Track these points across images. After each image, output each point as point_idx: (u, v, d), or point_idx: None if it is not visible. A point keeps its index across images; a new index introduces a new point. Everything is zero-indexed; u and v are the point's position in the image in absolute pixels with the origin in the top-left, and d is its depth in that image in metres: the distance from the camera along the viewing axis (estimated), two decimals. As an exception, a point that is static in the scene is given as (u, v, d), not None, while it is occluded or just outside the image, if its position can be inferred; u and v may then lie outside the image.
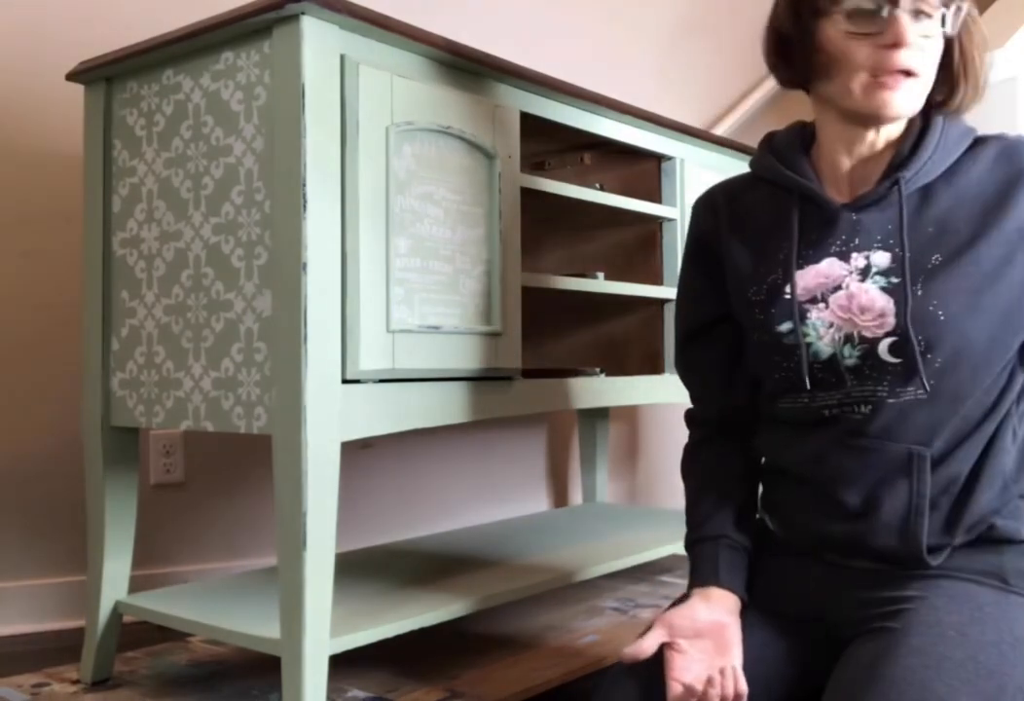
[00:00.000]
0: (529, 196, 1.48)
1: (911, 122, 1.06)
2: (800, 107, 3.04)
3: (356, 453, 2.09)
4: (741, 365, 1.15)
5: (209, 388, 1.27)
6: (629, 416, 2.65)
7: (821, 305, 1.03)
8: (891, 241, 1.01)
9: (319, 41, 1.16)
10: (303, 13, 1.14)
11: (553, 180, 1.55)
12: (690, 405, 1.23)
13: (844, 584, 1.02)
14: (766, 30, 1.12)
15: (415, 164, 1.27)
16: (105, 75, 1.40)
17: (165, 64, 1.33)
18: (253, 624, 1.27)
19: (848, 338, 1.03)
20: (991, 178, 1.03)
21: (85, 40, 1.76)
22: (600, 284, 1.69)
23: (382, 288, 1.22)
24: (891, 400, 1.01)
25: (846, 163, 1.07)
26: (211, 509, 1.98)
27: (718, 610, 1.02)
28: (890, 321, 1.00)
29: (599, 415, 2.38)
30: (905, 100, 0.99)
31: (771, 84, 2.96)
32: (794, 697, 1.03)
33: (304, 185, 1.14)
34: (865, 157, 1.06)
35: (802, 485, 1.07)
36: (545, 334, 2.14)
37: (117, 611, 1.43)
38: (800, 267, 1.06)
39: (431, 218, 1.29)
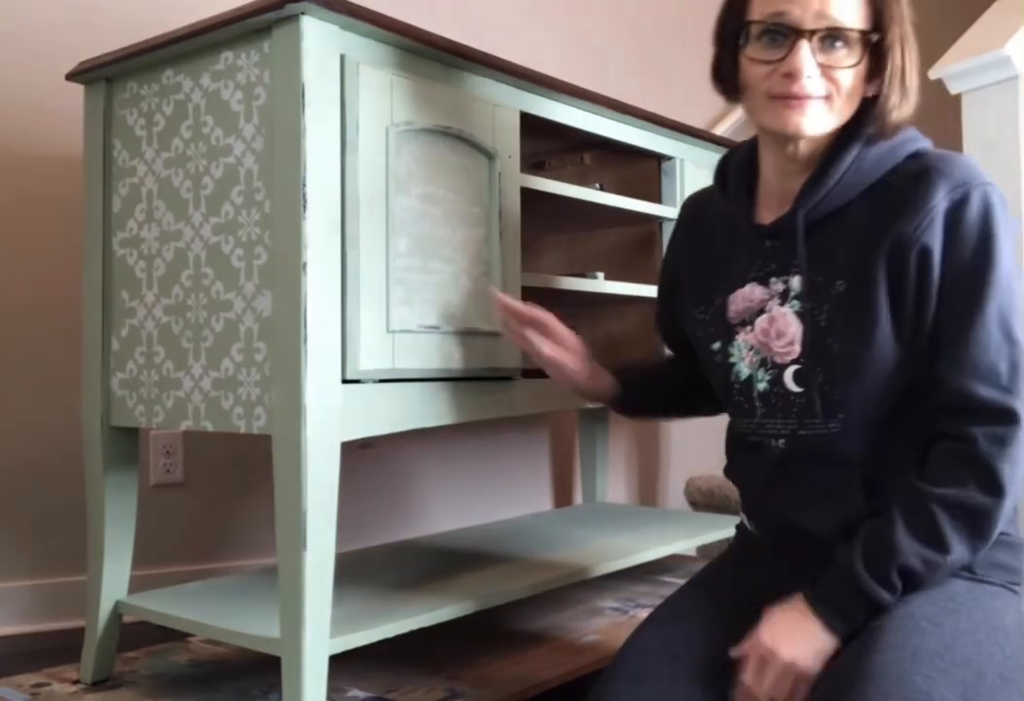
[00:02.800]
0: (529, 196, 1.48)
1: (834, 141, 1.02)
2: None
3: (356, 453, 2.09)
4: None
5: (209, 388, 1.27)
6: (629, 416, 2.64)
7: (748, 327, 1.07)
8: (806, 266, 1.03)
9: (319, 41, 1.16)
10: (303, 13, 1.14)
11: (553, 180, 1.55)
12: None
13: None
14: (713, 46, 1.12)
15: (415, 164, 1.27)
16: (105, 75, 1.40)
17: (165, 64, 1.33)
18: (253, 624, 1.27)
19: (763, 362, 1.07)
20: (901, 206, 0.99)
21: (85, 40, 1.76)
22: (600, 284, 1.68)
23: (382, 288, 1.22)
24: (803, 432, 1.03)
25: (774, 181, 1.08)
26: (211, 509, 1.98)
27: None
28: (796, 349, 1.02)
29: (599, 415, 2.37)
30: (810, 121, 0.99)
31: (771, 84, 2.95)
32: None
33: (304, 185, 1.14)
34: (789, 174, 1.06)
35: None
36: (545, 334, 2.14)
37: (117, 611, 1.43)
38: (731, 290, 1.10)
39: (431, 218, 1.29)
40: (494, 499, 2.34)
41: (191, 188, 1.30)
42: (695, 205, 1.25)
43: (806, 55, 0.96)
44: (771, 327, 1.05)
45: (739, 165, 1.13)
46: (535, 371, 1.56)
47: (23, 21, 1.80)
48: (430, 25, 1.33)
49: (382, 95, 1.22)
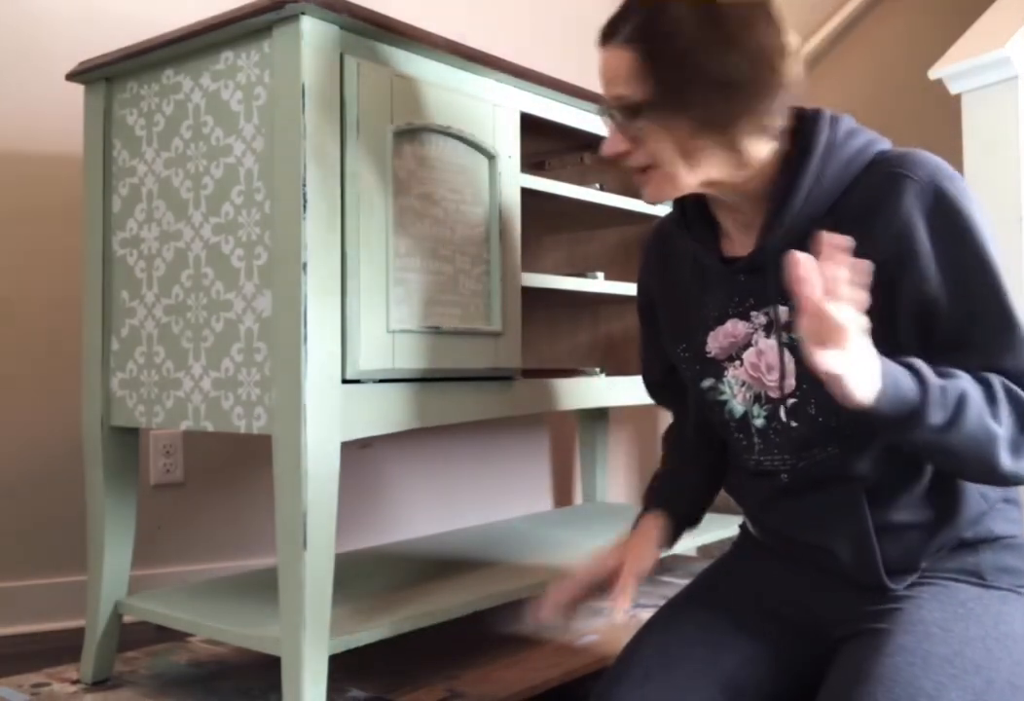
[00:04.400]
0: (529, 196, 1.48)
1: (780, 168, 0.98)
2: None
3: (356, 453, 2.09)
4: None
5: (209, 388, 1.27)
6: (629, 416, 2.64)
7: (737, 362, 1.05)
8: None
9: (319, 41, 1.16)
10: (303, 13, 1.14)
11: (553, 180, 1.55)
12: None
13: (831, 586, 1.03)
14: None
15: (415, 164, 1.27)
16: (105, 75, 1.40)
17: (165, 64, 1.33)
18: (253, 624, 1.27)
19: (757, 397, 1.04)
20: (874, 219, 0.95)
21: (85, 40, 1.76)
22: (600, 284, 1.68)
23: (382, 288, 1.22)
24: (802, 464, 1.02)
25: (733, 222, 1.05)
26: (211, 509, 1.98)
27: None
28: (791, 383, 0.99)
29: (599, 415, 2.37)
30: (653, 190, 0.99)
31: (771, 84, 2.96)
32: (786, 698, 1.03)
33: (304, 185, 1.14)
34: (742, 218, 1.03)
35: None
36: (545, 334, 2.14)
37: (117, 611, 1.43)
38: (712, 328, 1.07)
39: (431, 218, 1.29)
40: (494, 499, 2.34)
41: (191, 188, 1.30)
42: (662, 234, 1.19)
43: (607, 131, 0.99)
44: (760, 361, 1.02)
45: (695, 204, 1.08)
46: (535, 371, 1.56)
47: (23, 21, 1.80)
48: (430, 25, 1.33)
49: (382, 95, 1.22)
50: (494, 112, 1.39)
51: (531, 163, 1.97)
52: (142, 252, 1.37)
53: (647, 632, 1.10)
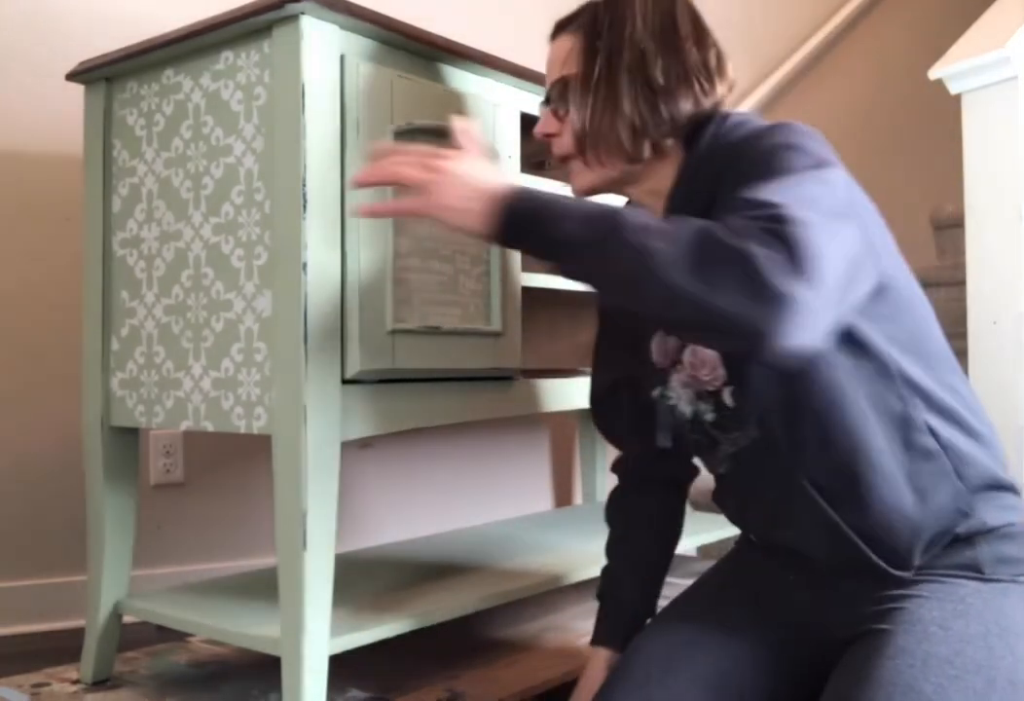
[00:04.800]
0: (529, 196, 1.47)
1: (679, 169, 1.01)
2: (799, 106, 3.07)
3: (356, 453, 2.09)
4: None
5: (209, 388, 1.27)
6: (629, 416, 2.64)
7: (679, 366, 1.05)
8: None
9: (319, 41, 1.16)
10: (303, 13, 1.14)
11: (553, 180, 1.55)
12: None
13: (828, 587, 1.02)
14: None
15: (415, 164, 1.27)
16: (105, 75, 1.40)
17: (165, 64, 1.33)
18: (253, 624, 1.27)
19: (699, 395, 1.04)
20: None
21: (85, 40, 1.76)
22: (600, 284, 1.68)
23: (382, 288, 1.22)
24: (733, 449, 1.02)
25: None
26: (211, 509, 1.98)
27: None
28: (721, 372, 1.00)
29: (599, 415, 2.37)
30: (577, 180, 1.04)
31: (771, 84, 2.96)
32: None
33: (304, 185, 1.14)
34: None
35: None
36: (545, 334, 2.14)
37: (117, 611, 1.43)
38: (652, 334, 1.08)
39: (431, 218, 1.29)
40: (494, 499, 2.34)
41: (191, 188, 1.30)
42: None
43: (542, 116, 1.04)
44: (695, 358, 1.02)
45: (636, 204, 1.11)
46: (535, 371, 1.56)
47: (23, 21, 1.80)
48: (430, 25, 1.33)
49: (382, 95, 1.22)
50: (494, 112, 1.39)
51: (531, 163, 1.97)
52: (142, 252, 1.37)
53: (650, 633, 1.11)
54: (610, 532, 1.25)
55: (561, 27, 1.09)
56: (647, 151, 1.00)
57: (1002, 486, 0.99)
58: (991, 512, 0.97)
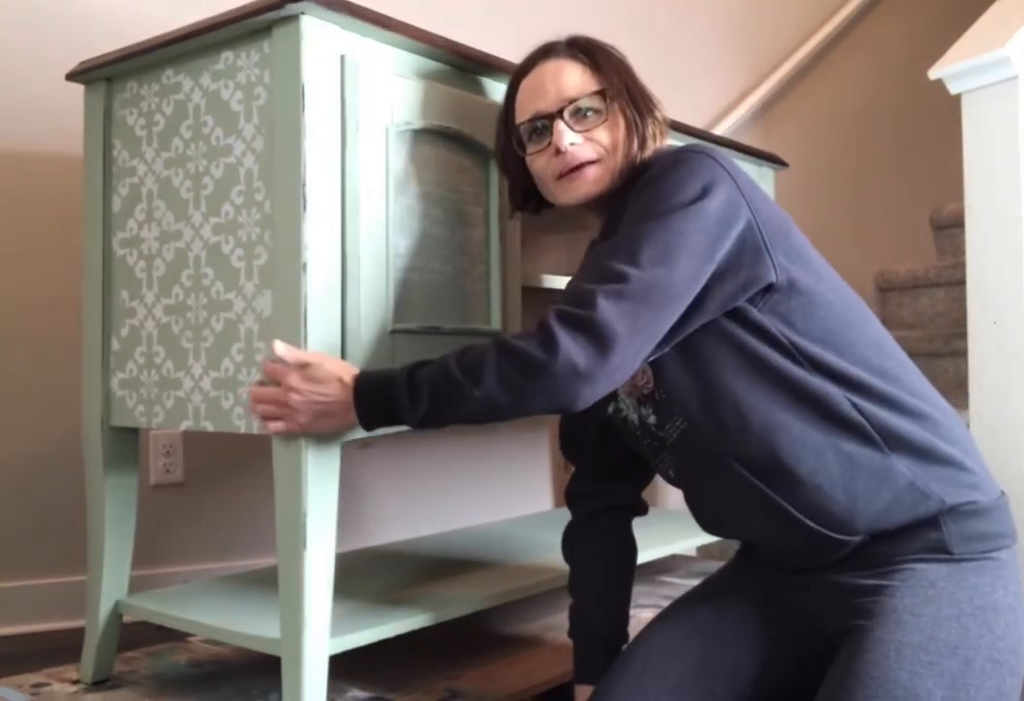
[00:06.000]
0: (529, 196, 1.47)
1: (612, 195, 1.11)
2: (799, 105, 3.07)
3: (356, 453, 2.09)
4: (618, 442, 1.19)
5: (209, 388, 1.27)
6: (629, 416, 2.64)
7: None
8: None
9: (319, 41, 1.16)
10: (303, 13, 1.14)
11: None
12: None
13: (810, 582, 1.03)
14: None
15: (415, 164, 1.27)
16: (105, 75, 1.40)
17: (165, 64, 1.33)
18: (253, 624, 1.27)
19: (640, 400, 1.08)
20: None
21: (85, 40, 1.76)
22: (600, 284, 1.68)
23: (382, 288, 1.22)
24: (670, 441, 1.05)
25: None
26: (211, 509, 1.98)
27: None
28: (650, 373, 1.05)
29: (599, 415, 2.37)
30: (591, 184, 1.10)
31: (771, 84, 2.96)
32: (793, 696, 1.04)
33: (304, 185, 1.14)
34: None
35: None
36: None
37: (117, 611, 1.43)
38: None
39: (431, 218, 1.29)
40: (494, 499, 2.34)
41: (191, 188, 1.30)
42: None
43: (562, 129, 1.08)
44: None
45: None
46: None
47: (23, 21, 1.80)
48: (430, 25, 1.33)
49: (382, 95, 1.22)
50: (494, 112, 1.39)
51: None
52: (142, 252, 1.37)
53: (649, 628, 1.12)
54: (570, 570, 1.26)
55: (546, 53, 1.15)
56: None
57: (956, 464, 0.98)
58: (948, 490, 0.96)
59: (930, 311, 2.68)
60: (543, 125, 1.11)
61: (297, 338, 1.14)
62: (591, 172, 1.09)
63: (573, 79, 1.11)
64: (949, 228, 2.82)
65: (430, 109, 1.29)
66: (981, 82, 1.74)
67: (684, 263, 0.94)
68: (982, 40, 1.78)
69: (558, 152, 1.08)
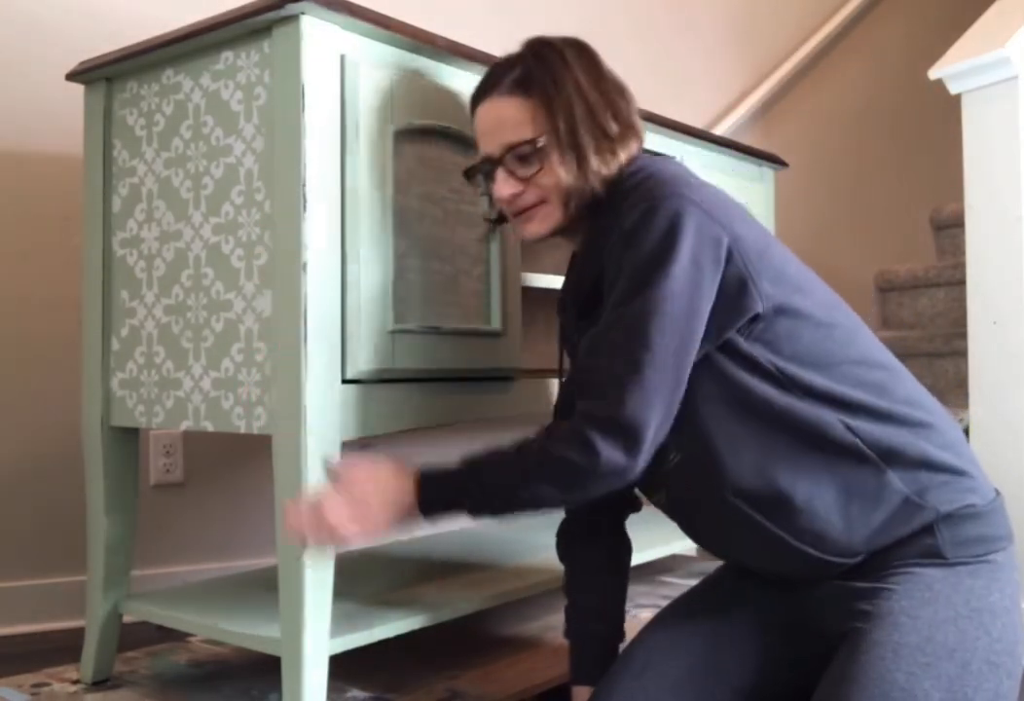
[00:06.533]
0: (529, 196, 1.47)
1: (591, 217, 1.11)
2: (799, 104, 3.07)
3: (356, 453, 2.09)
4: None
5: (209, 388, 1.27)
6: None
7: None
8: None
9: (319, 41, 1.16)
10: (303, 13, 1.14)
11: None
12: None
13: (808, 587, 1.03)
14: None
15: (415, 164, 1.27)
16: (105, 75, 1.40)
17: (165, 64, 1.33)
18: (253, 624, 1.27)
19: None
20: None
21: (85, 40, 1.76)
22: (600, 284, 1.68)
23: (382, 288, 1.22)
24: (662, 475, 1.04)
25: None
26: (211, 509, 1.98)
27: None
28: None
29: (599, 415, 2.37)
30: (540, 224, 1.11)
31: (771, 84, 2.96)
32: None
33: (304, 185, 1.14)
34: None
35: None
36: (545, 334, 2.14)
37: (117, 611, 1.43)
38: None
39: (431, 218, 1.29)
40: (494, 499, 2.34)
41: (191, 188, 1.30)
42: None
43: (502, 178, 1.09)
44: None
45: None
46: (535, 371, 1.56)
47: (23, 21, 1.80)
48: (430, 25, 1.33)
49: (382, 95, 1.22)
50: (494, 112, 1.39)
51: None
52: (142, 252, 1.37)
53: (649, 628, 1.12)
54: (565, 571, 1.26)
55: (491, 87, 1.11)
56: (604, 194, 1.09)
57: (951, 470, 0.98)
58: (944, 497, 0.96)
59: (930, 311, 2.68)
60: (491, 169, 1.11)
61: (297, 338, 1.14)
62: (538, 214, 1.10)
63: (510, 123, 1.08)
64: (949, 228, 2.82)
65: (430, 109, 1.29)
66: (981, 82, 1.74)
67: (689, 328, 0.96)
68: (982, 40, 1.78)
69: (501, 200, 1.11)
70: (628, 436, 0.94)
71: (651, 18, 2.75)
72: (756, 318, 0.98)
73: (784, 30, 3.08)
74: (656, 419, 0.95)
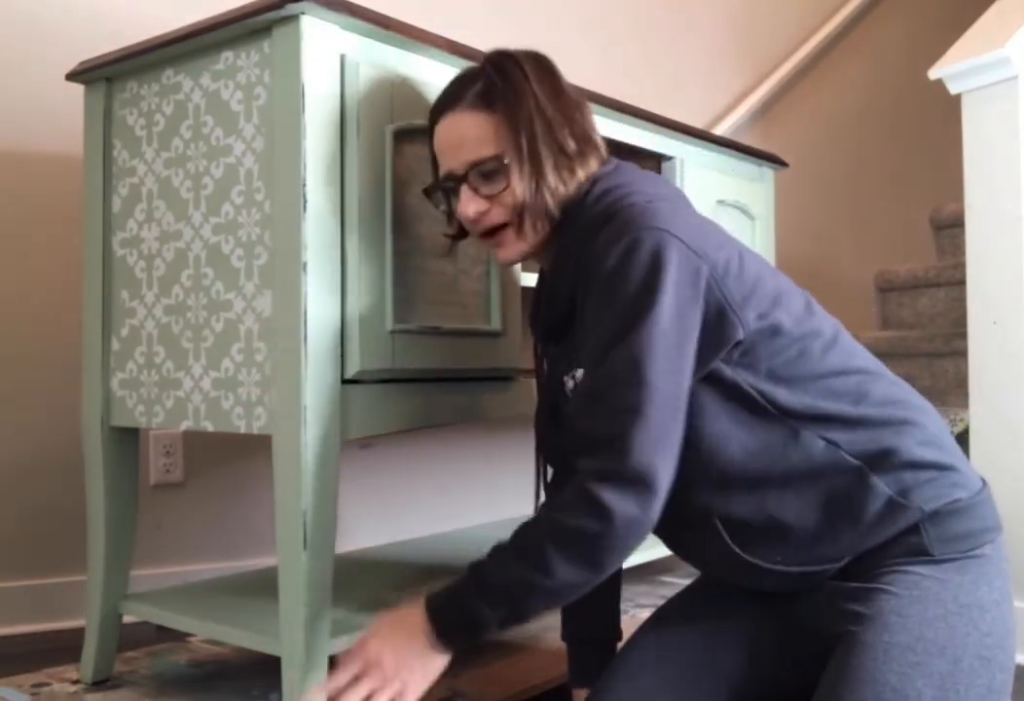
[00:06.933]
0: (529, 196, 1.47)
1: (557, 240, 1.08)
2: (799, 104, 3.07)
3: (356, 453, 2.09)
4: None
5: (209, 388, 1.27)
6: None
7: None
8: None
9: (319, 41, 1.16)
10: (303, 13, 1.14)
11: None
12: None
13: (800, 591, 1.03)
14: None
15: (415, 164, 1.27)
16: (105, 75, 1.40)
17: (165, 64, 1.33)
18: (253, 624, 1.27)
19: None
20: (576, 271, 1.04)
21: (85, 40, 1.76)
22: (600, 284, 1.68)
23: (382, 288, 1.22)
24: (674, 495, 1.00)
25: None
26: (211, 509, 1.98)
27: None
28: None
29: (599, 415, 2.37)
30: (511, 249, 1.08)
31: (771, 84, 2.96)
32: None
33: (304, 185, 1.14)
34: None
35: None
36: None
37: (117, 611, 1.43)
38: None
39: (431, 218, 1.29)
40: (494, 499, 2.34)
41: (191, 188, 1.30)
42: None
43: (467, 198, 1.06)
44: None
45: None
46: (535, 371, 1.56)
47: (23, 21, 1.80)
48: (430, 25, 1.33)
49: (382, 95, 1.22)
50: (494, 112, 1.39)
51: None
52: (142, 252, 1.37)
53: (644, 629, 1.12)
54: None
55: (453, 102, 1.08)
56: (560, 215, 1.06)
57: (936, 466, 0.97)
58: (927, 494, 0.96)
59: (930, 311, 2.68)
60: (450, 189, 1.10)
61: (297, 338, 1.14)
62: (506, 240, 1.08)
63: (472, 140, 1.06)
64: (949, 228, 2.82)
65: (430, 109, 1.28)
66: (981, 82, 1.74)
67: (682, 362, 0.93)
68: (982, 40, 1.77)
69: (468, 220, 1.08)
70: (640, 486, 0.90)
71: (651, 18, 2.74)
72: (738, 344, 0.97)
73: (784, 30, 3.08)
74: (667, 463, 0.91)
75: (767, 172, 2.05)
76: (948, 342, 2.42)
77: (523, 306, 1.44)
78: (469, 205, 1.06)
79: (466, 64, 1.35)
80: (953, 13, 2.96)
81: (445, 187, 1.11)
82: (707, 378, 0.97)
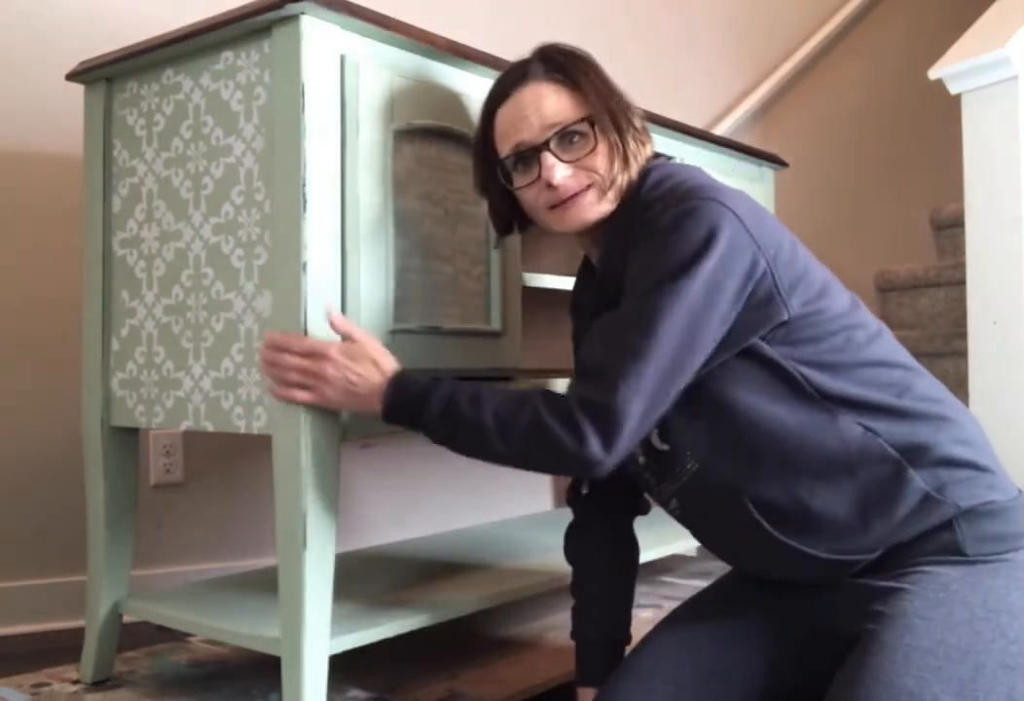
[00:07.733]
0: (529, 196, 1.47)
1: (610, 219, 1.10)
2: (799, 104, 3.08)
3: (356, 453, 2.09)
4: None
5: (209, 388, 1.27)
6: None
7: None
8: None
9: (319, 41, 1.16)
10: (303, 13, 1.14)
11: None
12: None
13: (820, 589, 1.03)
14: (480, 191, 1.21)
15: (415, 164, 1.27)
16: (105, 75, 1.40)
17: (165, 64, 1.33)
18: (253, 624, 1.27)
19: (646, 448, 1.07)
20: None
21: (85, 40, 1.76)
22: (600, 284, 1.68)
23: (382, 288, 1.22)
24: (677, 485, 1.04)
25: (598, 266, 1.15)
26: (211, 509, 1.98)
27: None
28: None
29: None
30: (587, 211, 1.08)
31: (771, 84, 2.96)
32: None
33: (304, 185, 1.14)
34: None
35: None
36: (545, 334, 2.14)
37: (117, 611, 1.43)
38: None
39: (431, 218, 1.29)
40: (494, 499, 2.34)
41: (191, 188, 1.30)
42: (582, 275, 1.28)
43: (552, 163, 1.06)
44: None
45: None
46: (536, 371, 1.56)
47: (23, 21, 1.80)
48: (430, 25, 1.33)
49: (382, 95, 1.22)
50: (494, 112, 1.39)
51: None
52: (142, 252, 1.37)
53: (657, 630, 1.12)
54: (573, 572, 1.26)
55: (522, 77, 1.10)
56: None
57: (972, 465, 0.98)
58: (964, 493, 0.95)
59: (930, 311, 2.68)
60: (530, 158, 1.08)
61: (297, 338, 1.14)
62: (585, 199, 1.08)
63: (556, 105, 1.07)
64: (949, 228, 2.82)
65: (430, 109, 1.29)
66: (981, 82, 1.74)
67: (703, 329, 0.95)
68: (982, 40, 1.78)
69: (549, 185, 1.06)
70: (612, 427, 0.93)
71: (651, 18, 2.74)
72: (782, 324, 0.98)
73: (784, 30, 3.08)
74: (643, 415, 0.94)
75: (767, 172, 2.05)
76: (948, 342, 2.42)
77: (523, 306, 1.44)
78: (555, 169, 1.06)
79: (466, 64, 1.35)
80: (953, 13, 2.96)
81: (523, 155, 1.08)
82: (749, 354, 0.97)
